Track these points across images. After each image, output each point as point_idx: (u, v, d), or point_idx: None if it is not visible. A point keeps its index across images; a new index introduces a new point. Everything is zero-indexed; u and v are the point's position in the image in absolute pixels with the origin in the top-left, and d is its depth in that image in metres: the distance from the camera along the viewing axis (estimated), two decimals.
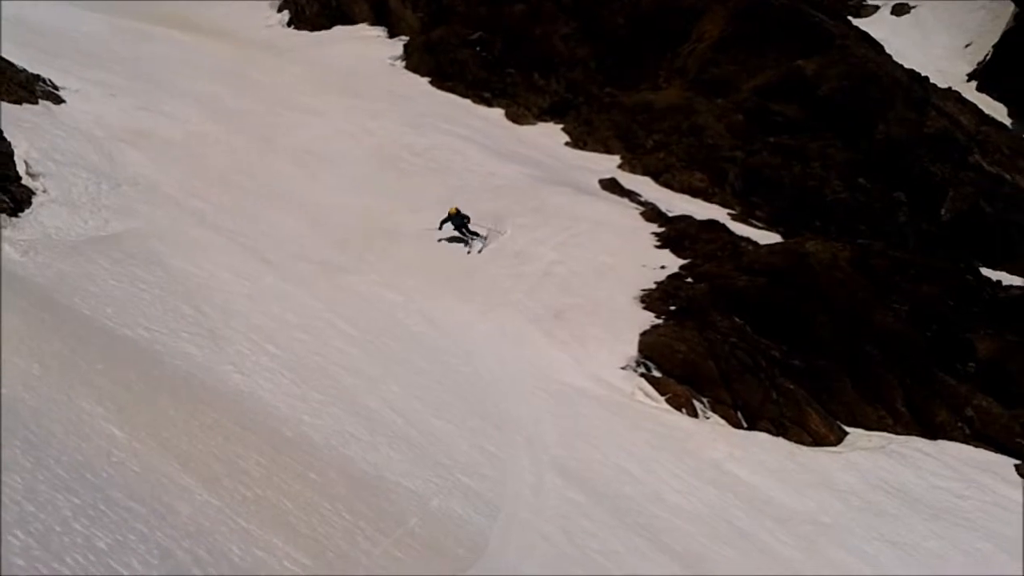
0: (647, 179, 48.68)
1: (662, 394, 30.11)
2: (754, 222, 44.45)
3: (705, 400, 30.32)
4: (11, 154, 25.78)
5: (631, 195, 45.32)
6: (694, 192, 47.31)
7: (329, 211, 35.63)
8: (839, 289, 33.61)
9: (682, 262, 37.11)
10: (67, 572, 6.89)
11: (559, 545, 18.03)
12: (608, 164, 50.73)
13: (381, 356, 24.66)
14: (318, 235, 33.22)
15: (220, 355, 20.42)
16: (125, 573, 7.69)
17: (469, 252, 33.22)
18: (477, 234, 33.92)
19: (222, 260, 27.26)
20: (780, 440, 28.74)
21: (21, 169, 26.20)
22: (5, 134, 25.86)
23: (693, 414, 29.68)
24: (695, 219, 41.45)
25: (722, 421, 29.70)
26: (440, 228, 32.86)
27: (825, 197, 44.57)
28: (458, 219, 33.22)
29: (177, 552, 9.25)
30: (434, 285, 31.88)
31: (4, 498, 7.21)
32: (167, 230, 27.49)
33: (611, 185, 46.37)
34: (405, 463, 18.38)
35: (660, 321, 33.21)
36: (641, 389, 30.08)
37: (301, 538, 11.94)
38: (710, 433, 28.36)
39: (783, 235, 41.89)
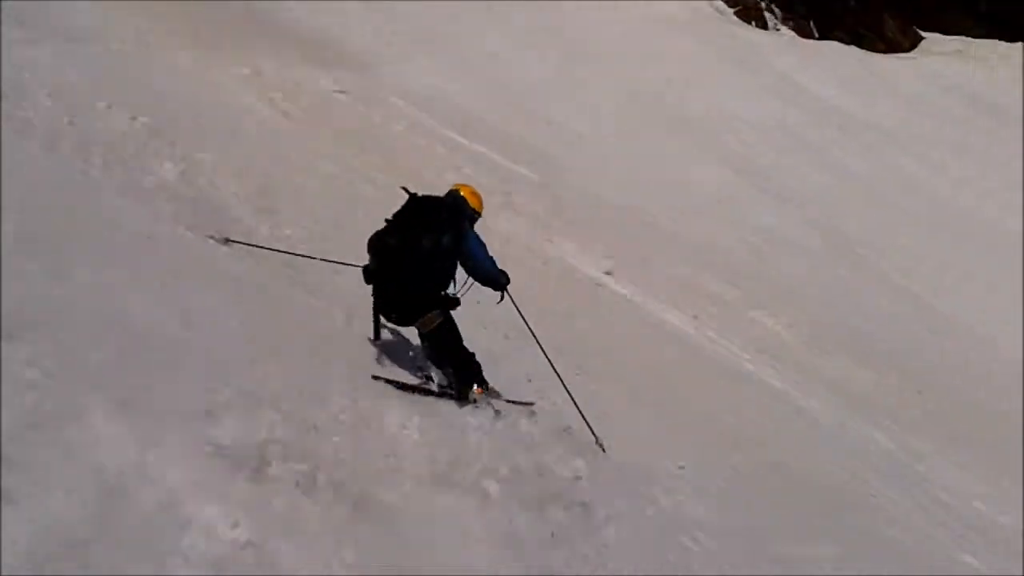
0: None
1: (731, 6, 28.93)
2: None
3: (777, 11, 29.13)
4: None
5: None
6: None
7: None
8: None
9: None
10: None
11: (616, 155, 18.62)
12: None
13: None
14: None
15: None
16: None
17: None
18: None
19: None
20: (852, 48, 27.86)
21: None
22: None
23: (763, 26, 28.70)
24: None
25: (793, 32, 28.74)
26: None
27: None
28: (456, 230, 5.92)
29: None
30: None
31: None
32: None
33: None
34: None
35: None
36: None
37: None
38: (780, 44, 27.58)
39: None
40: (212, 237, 6.42)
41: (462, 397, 5.70)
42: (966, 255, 19.93)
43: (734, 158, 20.76)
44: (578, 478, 4.81)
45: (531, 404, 6.25)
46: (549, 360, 6.41)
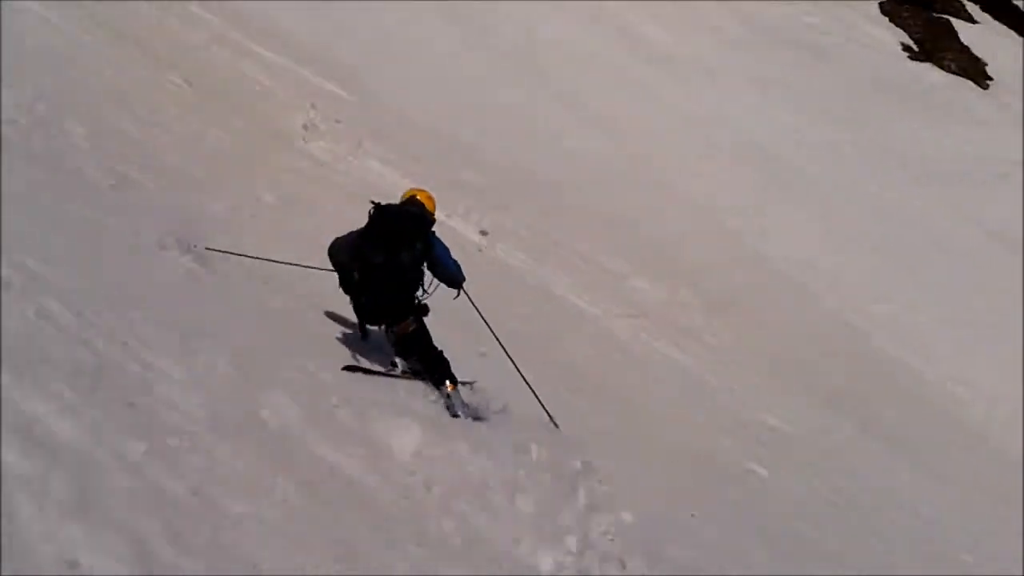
0: None
1: None
2: None
3: None
4: None
5: None
6: None
7: None
8: None
9: None
10: None
11: (431, 77, 18.23)
12: None
13: None
14: None
15: None
16: None
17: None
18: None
19: None
20: None
21: None
22: None
23: None
24: None
25: None
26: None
27: None
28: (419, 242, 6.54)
29: None
30: None
31: None
32: None
33: None
34: None
35: None
36: None
37: None
38: None
39: None
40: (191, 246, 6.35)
41: (433, 384, 6.17)
42: (766, 185, 20.99)
43: (552, 88, 20.79)
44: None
45: (473, 383, 6.68)
46: (508, 354, 6.76)
